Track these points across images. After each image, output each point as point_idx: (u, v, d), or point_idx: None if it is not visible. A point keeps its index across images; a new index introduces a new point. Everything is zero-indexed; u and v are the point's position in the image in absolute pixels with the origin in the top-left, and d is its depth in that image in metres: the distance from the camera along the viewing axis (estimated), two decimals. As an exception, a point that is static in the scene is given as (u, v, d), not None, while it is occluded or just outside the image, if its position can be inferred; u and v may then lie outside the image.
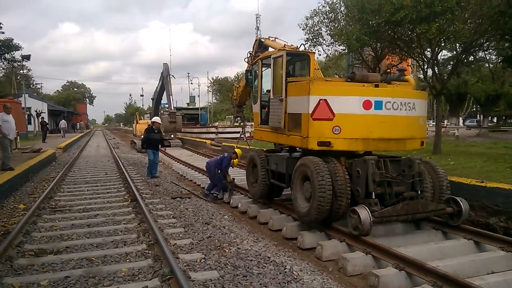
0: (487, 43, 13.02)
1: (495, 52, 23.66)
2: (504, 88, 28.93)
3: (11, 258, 5.37)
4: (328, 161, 6.87)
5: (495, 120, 56.42)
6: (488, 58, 26.43)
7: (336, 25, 15.25)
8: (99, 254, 5.59)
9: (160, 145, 13.70)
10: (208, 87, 66.03)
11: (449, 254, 6.03)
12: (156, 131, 13.39)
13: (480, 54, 20.82)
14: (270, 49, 10.09)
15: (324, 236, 6.93)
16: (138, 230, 6.74)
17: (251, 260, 5.26)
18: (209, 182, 11.22)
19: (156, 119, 14.01)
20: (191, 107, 59.10)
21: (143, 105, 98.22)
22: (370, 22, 12.37)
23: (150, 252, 5.64)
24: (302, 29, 16.31)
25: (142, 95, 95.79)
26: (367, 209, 6.08)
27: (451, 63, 23.47)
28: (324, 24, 15.83)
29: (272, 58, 8.24)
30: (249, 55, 10.87)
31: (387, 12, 11.14)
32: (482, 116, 44.41)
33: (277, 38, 10.68)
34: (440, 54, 13.46)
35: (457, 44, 13.09)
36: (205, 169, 14.75)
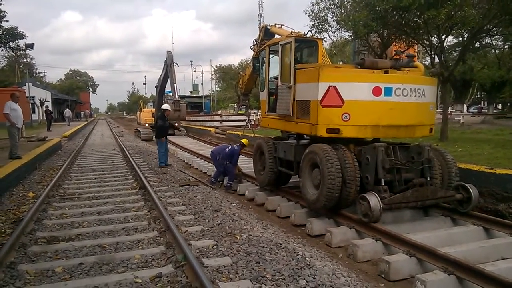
0: (495, 28, 12.86)
1: (501, 38, 23.46)
2: (511, 74, 28.68)
3: (24, 245, 5.42)
4: (337, 148, 6.87)
5: (499, 107, 56.06)
6: (494, 44, 26.12)
7: (342, 11, 15.10)
8: (111, 241, 5.63)
9: (173, 132, 13.76)
10: (211, 75, 65.85)
11: (459, 240, 6.04)
12: (166, 120, 13.39)
13: (486, 40, 20.54)
14: (277, 36, 10.01)
15: (332, 223, 6.96)
16: (149, 217, 6.78)
17: (263, 247, 5.29)
18: (215, 170, 11.27)
19: (167, 106, 13.97)
20: (194, 95, 58.84)
21: (146, 94, 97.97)
22: (377, 8, 12.23)
23: (162, 239, 5.69)
24: (308, 16, 16.20)
25: (145, 84, 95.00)
26: (377, 196, 6.08)
27: (457, 49, 23.24)
28: (330, 10, 15.69)
29: (280, 44, 8.19)
30: (255, 42, 10.79)
31: (395, -2, 11.02)
32: (487, 103, 44.13)
33: (283, 25, 10.58)
34: (446, 41, 13.28)
35: (464, 30, 12.90)
36: (207, 156, 14.94)
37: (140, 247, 5.45)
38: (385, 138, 7.42)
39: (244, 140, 10.80)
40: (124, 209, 7.36)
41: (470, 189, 6.63)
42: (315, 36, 11.36)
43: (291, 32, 9.26)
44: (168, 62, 28.71)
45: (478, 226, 6.39)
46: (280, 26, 10.53)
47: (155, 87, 34.05)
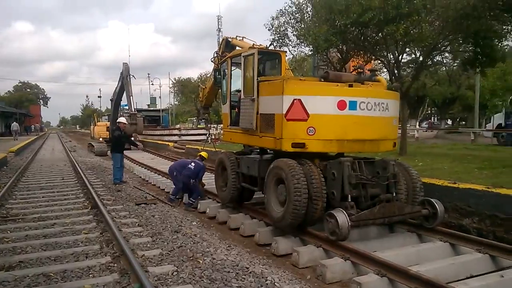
0: (449, 45, 13.30)
1: (451, 56, 24.52)
2: (460, 91, 30.04)
3: (-46, 277, 4.74)
4: (302, 163, 6.63)
5: (449, 122, 58.71)
6: (445, 61, 27.29)
7: (302, 25, 15.15)
8: (58, 269, 5.03)
9: (131, 145, 13.19)
10: (170, 88, 64.72)
11: (427, 257, 5.93)
12: (123, 133, 12.74)
13: (437, 57, 21.34)
14: (238, 49, 9.80)
15: (299, 241, 6.68)
16: (101, 240, 6.20)
17: (229, 272, 4.88)
18: (174, 187, 10.78)
19: (122, 119, 13.30)
20: (152, 108, 57.56)
21: (100, 107, 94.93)
22: (337, 23, 12.31)
23: (115, 265, 5.15)
24: (268, 30, 16.15)
25: (100, 97, 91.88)
26: (345, 212, 5.87)
27: (410, 66, 24.02)
28: (290, 24, 15.72)
29: (243, 56, 7.93)
30: (215, 55, 10.53)
31: (355, 13, 11.12)
32: (438, 118, 46.01)
33: (244, 38, 10.40)
34: (401, 57, 13.58)
35: (419, 47, 13.22)
36: (166, 172, 14.37)
37: (91, 275, 4.90)
38: (350, 153, 7.28)
39: (203, 153, 10.39)
40: (73, 231, 6.72)
41: (436, 205, 6.56)
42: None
43: (253, 44, 9.07)
44: (124, 74, 27.84)
45: (445, 242, 6.31)
46: (241, 38, 10.34)
47: (110, 100, 32.96)
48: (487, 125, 25.49)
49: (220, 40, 10.66)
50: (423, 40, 11.36)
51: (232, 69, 8.89)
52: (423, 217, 6.72)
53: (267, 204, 6.99)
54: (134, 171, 16.73)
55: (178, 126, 51.54)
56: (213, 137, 30.73)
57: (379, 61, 15.12)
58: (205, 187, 10.42)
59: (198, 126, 32.15)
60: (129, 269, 4.83)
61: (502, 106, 22.96)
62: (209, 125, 13.22)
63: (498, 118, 23.40)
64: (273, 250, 6.57)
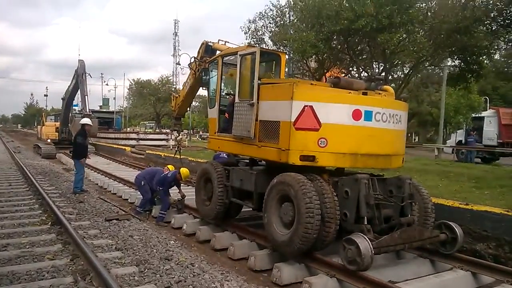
0: (438, 59, 13.12)
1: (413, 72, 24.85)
2: (422, 107, 30.64)
3: None
4: (312, 179, 5.79)
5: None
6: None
7: (282, 30, 14.43)
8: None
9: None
10: (128, 89, 61.79)
11: (452, 289, 5.31)
12: (86, 136, 11.32)
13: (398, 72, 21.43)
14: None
15: (304, 269, 5.81)
16: (73, 269, 4.93)
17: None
18: (141, 197, 9.63)
19: (87, 120, 11.82)
20: (104, 110, 54.69)
21: (46, 106, 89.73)
22: (323, 29, 11.70)
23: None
24: (245, 33, 15.31)
25: (46, 95, 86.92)
26: (366, 238, 5.08)
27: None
28: (268, 28, 14.97)
29: (240, 55, 7.01)
30: (193, 59, 9.54)
31: (346, 19, 10.55)
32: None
33: (227, 42, 9.49)
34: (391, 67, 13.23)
35: (412, 58, 12.94)
36: (128, 180, 13.08)
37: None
38: (359, 169, 6.54)
39: (183, 170, 9.24)
40: (34, 256, 5.35)
41: (456, 229, 5.95)
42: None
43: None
44: (80, 72, 26.00)
45: (466, 271, 5.70)
46: (224, 42, 9.43)
47: (62, 99, 30.75)
48: (447, 141, 26.10)
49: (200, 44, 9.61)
50: (417, 51, 11.02)
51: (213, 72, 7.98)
52: (441, 242, 6.08)
53: (268, 225, 6.06)
54: (89, 177, 15.15)
55: (129, 129, 49.30)
56: (173, 142, 29.43)
57: (365, 71, 14.70)
58: (185, 198, 9.32)
59: (156, 131, 30.58)
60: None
61: (465, 123, 23.51)
62: (180, 137, 12.07)
63: (459, 135, 23.92)
64: (275, 278, 5.67)
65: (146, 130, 50.93)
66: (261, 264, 6.16)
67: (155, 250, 5.73)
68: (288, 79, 6.96)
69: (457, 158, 22.79)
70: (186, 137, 27.53)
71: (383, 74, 12.87)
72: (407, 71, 14.34)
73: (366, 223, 5.57)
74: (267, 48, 7.81)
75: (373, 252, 4.99)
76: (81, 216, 7.79)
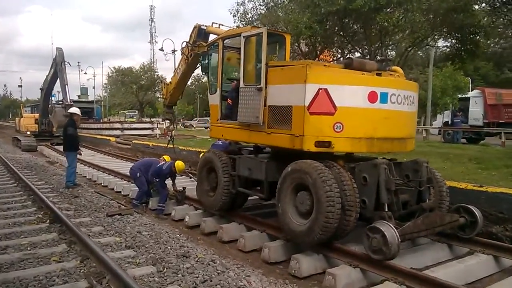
0: (435, 38, 12.94)
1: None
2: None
3: None
4: (329, 166, 5.53)
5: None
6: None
7: (272, 12, 14.01)
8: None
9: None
10: (109, 77, 60.12)
11: (478, 274, 5.21)
12: (76, 127, 10.76)
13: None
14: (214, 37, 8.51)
15: (323, 259, 5.58)
16: (85, 272, 4.52)
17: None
18: (137, 190, 9.25)
19: (75, 110, 11.21)
20: (83, 99, 53.22)
21: (21, 97, 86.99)
22: (318, 10, 11.34)
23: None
24: (233, 16, 14.82)
25: (20, 86, 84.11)
26: (392, 226, 4.86)
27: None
28: (258, 11, 14.53)
29: (243, 36, 6.64)
30: (185, 44, 9.12)
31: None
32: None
33: (221, 25, 9.08)
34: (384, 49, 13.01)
35: (410, 39, 12.71)
36: (117, 171, 12.76)
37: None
38: (372, 153, 6.30)
39: (178, 164, 8.83)
40: (39, 258, 4.90)
41: (475, 212, 5.79)
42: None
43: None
44: (58, 60, 25.04)
45: (488, 255, 5.56)
46: (218, 25, 9.01)
47: (40, 89, 29.70)
48: (433, 122, 26.26)
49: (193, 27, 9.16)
50: (416, 32, 10.80)
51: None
52: (459, 226, 5.92)
53: (283, 215, 5.78)
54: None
55: (122, 118, 48.09)
56: (159, 132, 28.76)
57: (359, 53, 14.44)
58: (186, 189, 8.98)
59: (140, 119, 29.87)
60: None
61: (451, 104, 23.62)
62: (172, 127, 11.62)
63: (445, 116, 24.04)
64: (293, 271, 5.42)
65: (126, 119, 49.90)
66: (276, 256, 5.91)
67: (169, 247, 5.33)
68: (299, 61, 6.60)
69: (443, 139, 22.95)
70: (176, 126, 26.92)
71: (378, 55, 12.63)
72: (403, 51, 14.11)
73: (386, 209, 5.36)
74: (273, 28, 7.40)
75: (399, 240, 4.78)
76: (80, 212, 7.32)
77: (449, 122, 24.43)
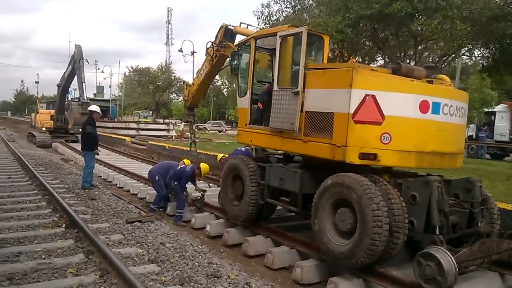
0: (474, 48, 12.37)
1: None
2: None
3: None
4: (375, 181, 4.98)
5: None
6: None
7: (299, 15, 13.53)
8: None
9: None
10: (126, 76, 60.25)
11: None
12: (95, 125, 10.33)
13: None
14: (241, 38, 8.08)
15: (362, 284, 5.02)
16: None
17: None
18: (156, 194, 8.80)
19: (96, 108, 10.77)
20: (99, 98, 53.37)
21: (37, 93, 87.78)
22: (349, 14, 10.82)
23: None
24: (258, 18, 14.38)
25: (37, 82, 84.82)
26: (448, 253, 4.29)
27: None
28: (284, 13, 14.06)
29: (280, 36, 6.15)
30: (210, 44, 8.73)
31: (378, 3, 9.68)
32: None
33: (249, 25, 8.65)
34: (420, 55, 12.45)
35: (449, 47, 12.12)
36: (133, 172, 12.44)
37: None
38: (428, 169, 5.74)
39: (203, 166, 8.42)
40: (54, 270, 4.40)
41: (535, 239, 5.19)
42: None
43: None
44: (76, 57, 24.94)
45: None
46: (246, 26, 8.59)
47: (57, 85, 29.63)
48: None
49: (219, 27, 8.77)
50: (456, 40, 10.22)
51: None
52: (514, 254, 5.31)
53: (320, 233, 5.24)
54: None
55: (136, 118, 47.95)
56: (175, 134, 28.43)
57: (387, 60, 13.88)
58: (206, 193, 8.53)
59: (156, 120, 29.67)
60: None
61: (477, 118, 22.85)
62: (194, 129, 11.21)
63: (470, 130, 23.26)
64: (331, 295, 4.87)
65: (140, 119, 49.89)
66: (309, 277, 5.37)
67: (196, 263, 4.77)
68: (343, 63, 6.09)
69: (466, 154, 22.15)
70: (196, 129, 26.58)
71: (411, 63, 12.06)
72: (436, 59, 13.53)
73: (438, 232, 4.79)
74: (311, 29, 6.91)
75: (457, 269, 4.21)
76: (97, 217, 6.80)
77: (474, 137, 23.62)
